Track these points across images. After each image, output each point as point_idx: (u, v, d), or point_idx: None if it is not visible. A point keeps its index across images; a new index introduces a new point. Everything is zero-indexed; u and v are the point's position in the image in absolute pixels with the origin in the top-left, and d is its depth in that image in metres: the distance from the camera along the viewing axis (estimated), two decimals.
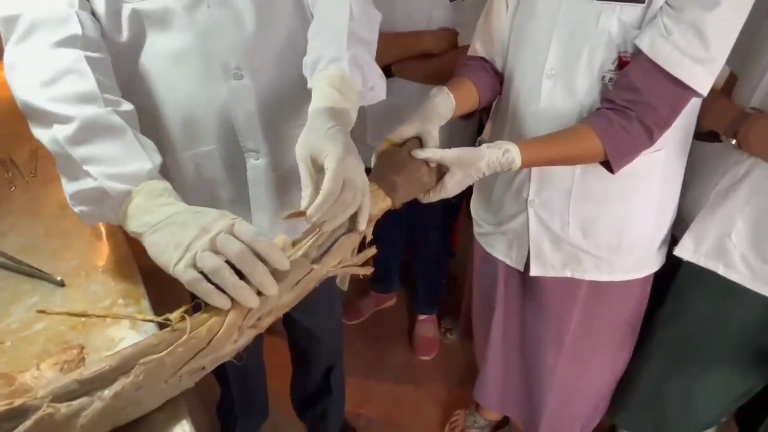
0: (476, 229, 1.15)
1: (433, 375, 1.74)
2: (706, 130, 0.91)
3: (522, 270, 1.05)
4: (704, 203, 0.94)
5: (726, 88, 0.93)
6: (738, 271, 0.93)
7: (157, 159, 0.64)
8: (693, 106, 0.84)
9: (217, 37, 0.73)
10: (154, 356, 0.50)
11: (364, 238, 0.70)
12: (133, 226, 0.59)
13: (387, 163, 0.74)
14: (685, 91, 0.76)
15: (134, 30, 0.70)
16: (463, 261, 1.94)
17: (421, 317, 1.86)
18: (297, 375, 1.36)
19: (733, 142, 0.87)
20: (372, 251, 0.71)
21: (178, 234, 0.55)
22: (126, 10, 0.69)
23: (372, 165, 0.77)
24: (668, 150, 0.88)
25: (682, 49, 0.72)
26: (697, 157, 0.95)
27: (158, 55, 0.73)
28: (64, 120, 0.60)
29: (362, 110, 1.46)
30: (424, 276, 1.82)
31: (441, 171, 0.75)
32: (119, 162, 0.60)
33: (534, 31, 0.86)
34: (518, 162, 0.76)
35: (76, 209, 0.64)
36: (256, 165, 0.83)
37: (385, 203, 0.71)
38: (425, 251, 1.75)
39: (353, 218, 0.66)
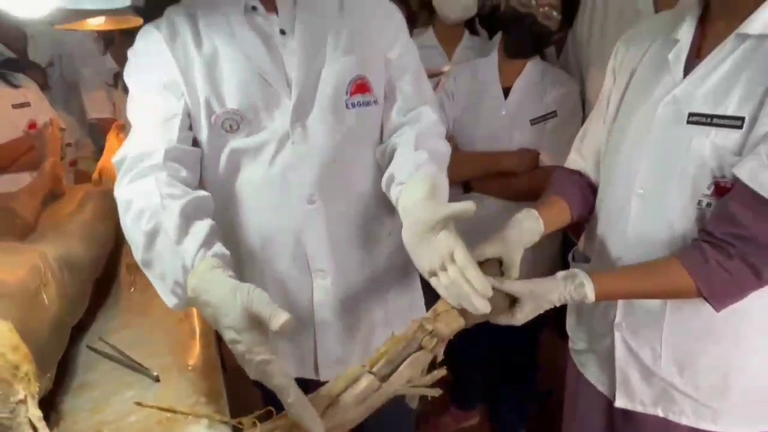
0: (570, 345, 1.07)
1: None
2: None
3: (613, 398, 0.94)
4: None
5: None
6: None
7: (190, 252, 0.70)
8: None
9: (297, 168, 0.84)
10: None
11: (435, 357, 0.70)
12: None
13: None
14: None
15: (231, 164, 0.84)
16: (560, 377, 1.77)
17: None
18: None
19: None
20: (442, 372, 0.70)
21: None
22: (227, 147, 0.83)
23: None
24: None
25: None
26: None
27: (247, 182, 0.86)
28: (134, 243, 0.74)
29: None
30: (509, 393, 1.69)
31: (513, 297, 0.74)
32: (165, 279, 0.72)
33: (626, 148, 0.84)
34: (591, 297, 0.72)
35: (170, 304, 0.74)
36: (322, 284, 0.89)
37: (458, 323, 0.71)
38: (510, 365, 1.65)
39: (425, 336, 0.67)
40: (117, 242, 1.23)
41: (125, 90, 2.24)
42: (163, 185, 0.75)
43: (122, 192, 0.77)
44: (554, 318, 1.14)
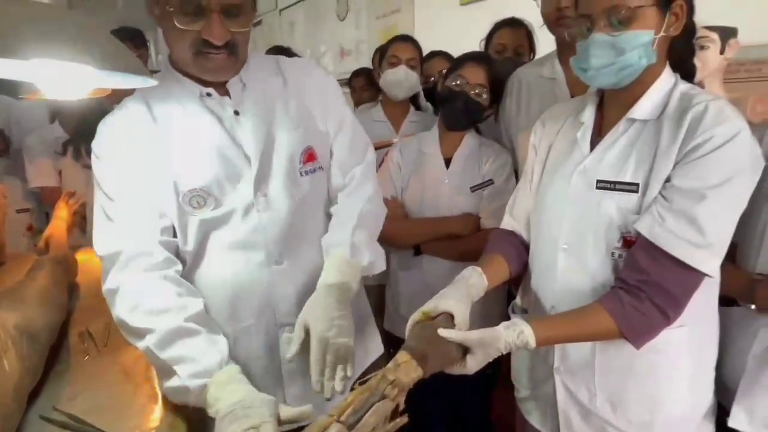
0: (516, 394, 1.14)
1: None
2: (722, 295, 0.94)
3: None
4: (744, 369, 0.92)
5: (729, 254, 0.99)
6: None
7: (225, 349, 0.82)
8: (712, 280, 0.84)
9: (262, 233, 0.92)
10: None
11: (397, 405, 0.75)
12: (211, 413, 0.76)
13: (420, 334, 0.82)
14: (692, 272, 0.79)
15: (200, 234, 0.90)
16: None
17: None
18: None
19: (753, 307, 0.90)
20: (404, 420, 0.75)
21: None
22: (194, 222, 0.89)
23: (406, 332, 0.84)
24: (692, 325, 0.87)
25: (677, 235, 0.78)
26: (726, 323, 0.95)
27: (215, 248, 0.92)
28: (150, 332, 0.80)
29: (396, 283, 1.60)
30: None
31: (466, 347, 0.81)
32: (195, 361, 0.78)
33: (549, 211, 0.98)
34: (532, 343, 0.80)
35: (174, 400, 0.82)
36: (289, 338, 0.93)
37: (416, 373, 0.77)
38: (468, 423, 1.67)
39: (387, 386, 0.73)
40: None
41: (75, 157, 2.22)
42: (173, 284, 0.85)
43: (126, 283, 0.83)
44: (505, 375, 1.22)
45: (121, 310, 0.82)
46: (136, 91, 0.94)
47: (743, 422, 0.93)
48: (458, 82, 1.41)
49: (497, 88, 1.45)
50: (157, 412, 0.85)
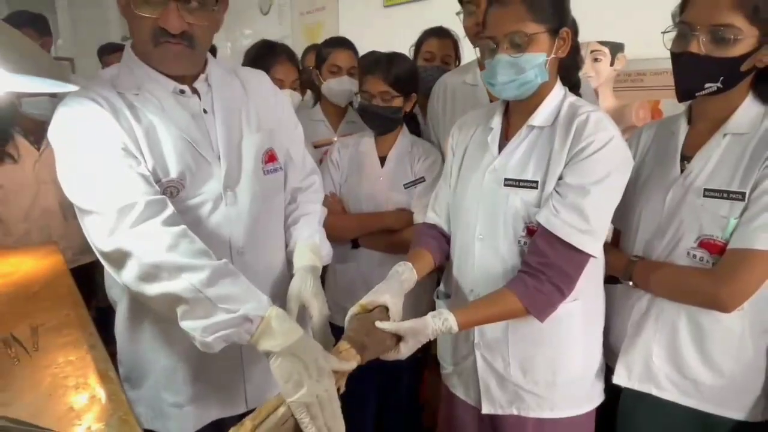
0: (441, 371, 1.27)
1: None
2: (608, 275, 1.12)
3: (480, 408, 1.14)
4: (625, 335, 1.10)
5: (615, 241, 1.19)
6: (668, 390, 1.05)
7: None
8: (597, 261, 1.01)
9: (229, 225, 1.01)
10: None
11: (339, 388, 0.84)
12: (266, 345, 0.82)
13: (359, 326, 0.91)
14: (581, 254, 0.95)
15: None
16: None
17: None
18: None
19: (630, 283, 1.08)
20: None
21: (300, 373, 0.78)
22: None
23: (345, 324, 0.94)
24: (583, 299, 1.03)
25: (569, 224, 0.93)
26: (612, 297, 1.13)
27: None
28: (195, 269, 0.82)
29: (335, 275, 1.70)
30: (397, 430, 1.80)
31: (399, 336, 0.91)
32: (248, 298, 0.84)
33: (466, 205, 1.11)
34: (455, 328, 0.93)
35: (208, 339, 0.82)
36: None
37: (356, 360, 0.86)
38: (397, 403, 1.77)
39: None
40: None
41: None
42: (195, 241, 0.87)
43: (150, 232, 0.83)
44: (435, 359, 1.33)
45: (154, 251, 0.82)
46: (98, 78, 0.96)
47: (624, 378, 1.11)
48: (365, 96, 1.51)
49: (405, 84, 1.51)
50: (103, 411, 0.86)
